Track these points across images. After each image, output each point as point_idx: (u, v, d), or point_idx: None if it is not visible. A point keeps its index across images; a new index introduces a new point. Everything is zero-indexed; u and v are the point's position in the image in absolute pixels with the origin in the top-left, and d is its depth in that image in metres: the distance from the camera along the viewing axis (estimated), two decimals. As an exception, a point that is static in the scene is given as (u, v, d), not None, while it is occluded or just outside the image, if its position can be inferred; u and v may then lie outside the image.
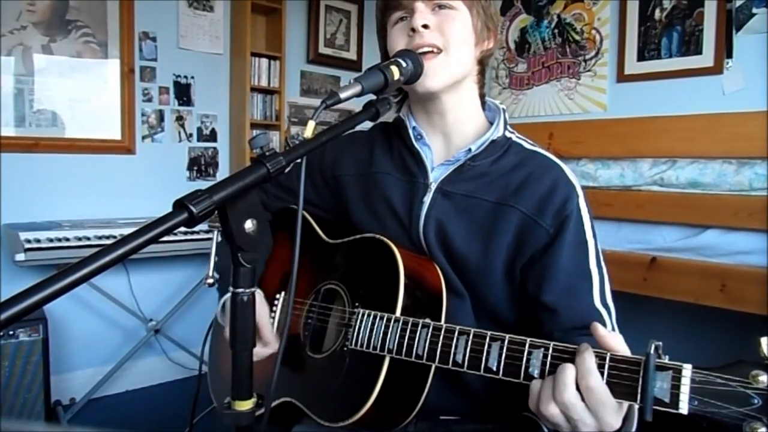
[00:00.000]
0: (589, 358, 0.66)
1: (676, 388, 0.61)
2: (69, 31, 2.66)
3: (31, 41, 2.56)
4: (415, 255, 0.96)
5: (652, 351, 0.62)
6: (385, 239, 0.95)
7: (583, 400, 0.66)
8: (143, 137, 2.95)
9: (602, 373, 0.65)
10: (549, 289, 0.89)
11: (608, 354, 0.66)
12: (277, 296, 1.10)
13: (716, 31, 2.62)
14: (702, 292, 2.07)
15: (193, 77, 3.09)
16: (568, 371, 0.66)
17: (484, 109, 1.04)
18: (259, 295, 1.03)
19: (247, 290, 0.66)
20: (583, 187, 0.94)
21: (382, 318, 0.88)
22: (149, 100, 2.95)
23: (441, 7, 0.92)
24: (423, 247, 0.98)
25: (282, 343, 0.75)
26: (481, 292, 0.95)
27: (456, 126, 1.00)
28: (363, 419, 0.85)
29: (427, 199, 0.98)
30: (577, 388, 0.66)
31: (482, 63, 1.01)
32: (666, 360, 0.63)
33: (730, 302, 2.01)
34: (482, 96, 1.03)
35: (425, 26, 0.90)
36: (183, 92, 3.07)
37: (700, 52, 2.69)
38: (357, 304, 0.94)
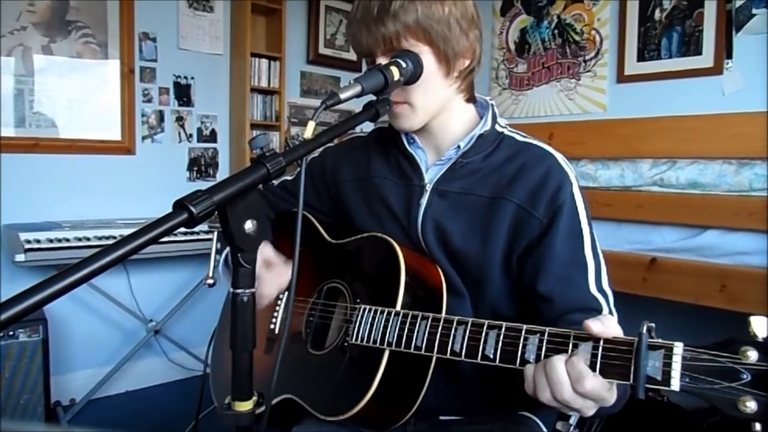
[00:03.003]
0: (578, 363, 0.65)
1: (667, 366, 0.62)
2: (69, 31, 2.66)
3: (31, 42, 2.56)
4: (416, 254, 0.97)
5: (644, 331, 0.63)
6: (387, 237, 0.96)
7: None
8: (143, 138, 2.95)
9: (596, 356, 0.66)
10: (544, 278, 0.89)
11: (602, 336, 0.67)
12: (281, 296, 1.11)
13: (716, 32, 2.63)
14: (702, 292, 2.07)
15: (193, 78, 3.09)
16: (559, 369, 0.66)
17: (475, 103, 1.03)
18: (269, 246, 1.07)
19: (247, 290, 0.66)
20: (583, 188, 0.94)
21: (382, 312, 0.88)
22: (149, 100, 2.95)
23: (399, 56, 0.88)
24: (423, 248, 0.98)
25: (282, 343, 0.75)
26: (481, 288, 0.95)
27: (446, 132, 1.00)
28: (362, 413, 0.85)
29: (424, 201, 0.98)
30: (575, 392, 0.66)
31: (464, 76, 0.97)
32: (659, 340, 0.63)
33: (730, 303, 2.01)
34: (472, 98, 1.02)
35: None
36: (183, 93, 3.07)
37: (700, 53, 2.69)
38: (358, 300, 0.95)
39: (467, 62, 0.95)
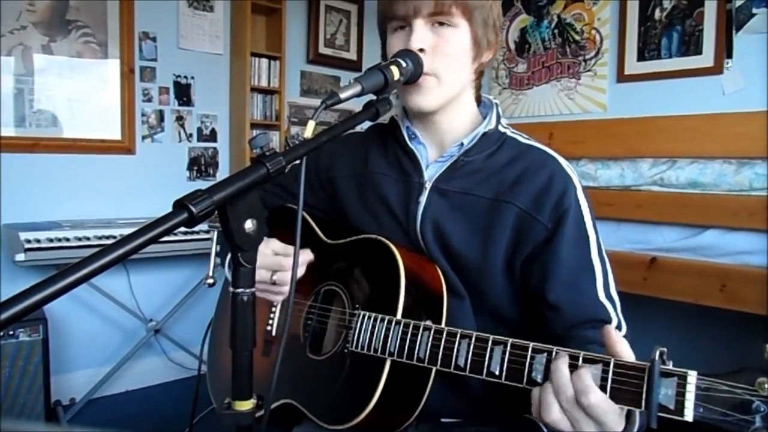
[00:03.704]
0: (585, 375, 0.65)
1: (681, 395, 0.60)
2: (69, 31, 2.66)
3: (31, 41, 2.56)
4: (415, 255, 0.96)
5: (656, 357, 0.61)
6: (385, 240, 0.94)
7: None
8: (143, 137, 2.95)
9: (606, 379, 0.65)
10: (552, 285, 0.89)
11: (612, 360, 0.66)
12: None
13: (716, 31, 2.63)
14: (702, 292, 2.07)
15: (193, 77, 3.09)
16: (564, 372, 0.66)
17: (479, 105, 1.03)
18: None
19: (247, 290, 0.66)
20: (583, 187, 0.94)
21: (383, 320, 0.87)
22: (149, 100, 2.95)
23: (441, 24, 0.90)
24: (421, 247, 0.97)
25: (282, 344, 0.74)
26: (480, 290, 0.95)
27: (451, 128, 0.99)
28: (364, 422, 0.85)
29: (423, 199, 0.97)
30: (578, 404, 0.65)
31: (480, 72, 1.00)
32: (670, 366, 0.62)
33: (730, 302, 2.00)
34: (478, 98, 1.03)
35: (421, 50, 0.88)
36: (183, 92, 3.07)
37: (700, 52, 2.69)
38: (357, 305, 0.94)
39: (489, 56, 0.97)
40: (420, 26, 0.89)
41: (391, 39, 0.94)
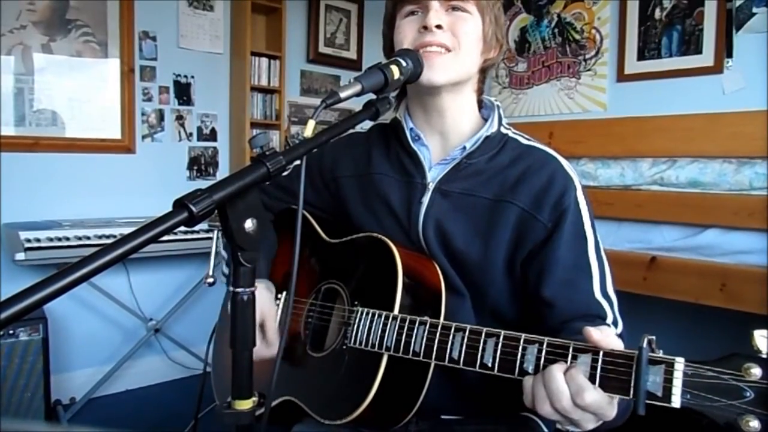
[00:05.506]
0: (577, 375, 0.65)
1: (668, 381, 0.61)
2: (69, 30, 2.66)
3: (31, 41, 2.56)
4: (414, 253, 0.97)
5: (644, 345, 0.62)
6: (384, 238, 0.95)
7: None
8: (143, 137, 2.95)
9: (595, 368, 0.65)
10: (548, 283, 0.89)
11: (601, 349, 0.66)
12: (279, 296, 1.11)
13: (716, 31, 2.62)
14: (702, 291, 2.07)
15: (193, 77, 3.09)
16: (558, 378, 0.66)
17: (480, 109, 1.04)
18: (269, 293, 1.04)
19: (248, 290, 0.66)
20: (583, 187, 0.94)
21: (380, 316, 0.88)
22: (149, 99, 2.95)
23: (455, 8, 0.93)
24: (423, 247, 0.98)
25: (282, 342, 0.75)
26: (482, 289, 0.95)
27: (453, 126, 1.00)
28: (362, 417, 0.85)
29: (426, 200, 0.98)
30: (575, 405, 0.65)
31: (484, 72, 1.02)
32: (660, 354, 0.62)
33: (730, 302, 2.00)
34: (480, 102, 1.04)
35: (438, 26, 0.90)
36: (183, 92, 3.07)
37: (700, 52, 2.69)
38: (356, 302, 0.94)
39: (495, 54, 1.00)
40: (436, 7, 0.92)
41: (401, 24, 0.95)
